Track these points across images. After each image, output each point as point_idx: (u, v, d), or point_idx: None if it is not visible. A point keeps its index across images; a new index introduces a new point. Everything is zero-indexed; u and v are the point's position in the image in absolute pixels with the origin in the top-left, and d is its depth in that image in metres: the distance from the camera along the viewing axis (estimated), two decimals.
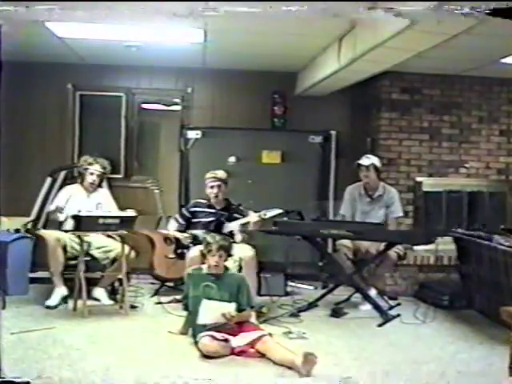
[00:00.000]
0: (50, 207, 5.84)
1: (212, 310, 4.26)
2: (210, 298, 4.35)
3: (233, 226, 5.38)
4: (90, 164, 5.73)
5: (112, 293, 5.61)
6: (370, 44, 4.57)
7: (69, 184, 6.14)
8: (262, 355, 4.02)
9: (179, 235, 5.56)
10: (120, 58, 6.37)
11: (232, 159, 6.66)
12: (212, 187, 5.52)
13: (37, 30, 5.09)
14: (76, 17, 4.61)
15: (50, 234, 5.40)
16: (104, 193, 5.94)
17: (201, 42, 5.46)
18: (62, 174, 6.70)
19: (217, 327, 4.16)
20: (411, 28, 3.80)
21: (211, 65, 6.65)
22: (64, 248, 5.34)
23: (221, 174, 5.59)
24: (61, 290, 5.36)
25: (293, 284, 6.35)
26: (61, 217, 5.58)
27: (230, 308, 4.28)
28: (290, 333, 4.66)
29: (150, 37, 5.35)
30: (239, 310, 4.35)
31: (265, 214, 5.28)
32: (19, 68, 6.13)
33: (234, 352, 4.07)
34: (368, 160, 5.76)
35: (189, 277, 4.62)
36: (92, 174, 5.71)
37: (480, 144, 6.73)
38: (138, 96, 7.04)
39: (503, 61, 5.49)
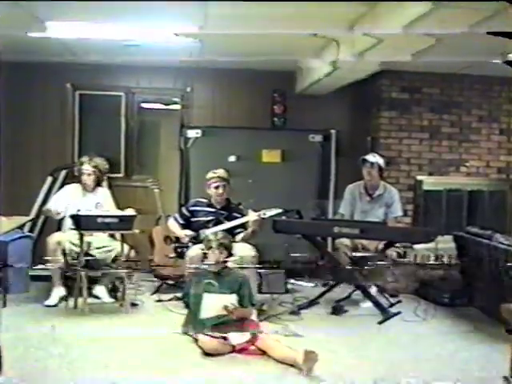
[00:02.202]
0: (46, 206, 5.85)
1: (213, 304, 4.27)
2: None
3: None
4: (82, 164, 5.77)
5: (112, 291, 5.62)
6: (369, 43, 4.58)
7: (69, 183, 6.14)
8: (263, 353, 4.01)
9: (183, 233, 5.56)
10: (119, 58, 6.36)
11: (232, 158, 6.66)
12: (217, 187, 5.50)
13: (36, 30, 5.09)
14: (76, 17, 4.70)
15: (50, 237, 5.42)
16: (103, 192, 5.93)
17: (199, 42, 5.46)
18: (63, 174, 6.70)
19: (218, 324, 4.17)
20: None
21: (211, 64, 6.64)
22: (63, 251, 5.34)
23: (223, 173, 5.57)
24: (59, 291, 5.37)
25: (293, 281, 6.35)
26: (57, 216, 5.59)
27: (231, 300, 4.30)
28: (290, 330, 4.66)
29: (149, 36, 5.35)
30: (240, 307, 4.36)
31: (264, 214, 5.28)
32: (19, 68, 6.14)
33: (234, 350, 4.07)
34: (374, 158, 5.78)
35: (190, 274, 4.62)
36: (83, 174, 5.74)
37: (480, 143, 6.74)
38: (138, 95, 7.05)
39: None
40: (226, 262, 4.54)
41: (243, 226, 5.46)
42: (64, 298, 5.33)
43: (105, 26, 4.96)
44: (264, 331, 4.20)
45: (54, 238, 5.38)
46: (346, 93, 6.79)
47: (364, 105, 6.88)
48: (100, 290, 5.49)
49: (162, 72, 6.95)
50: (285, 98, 7.00)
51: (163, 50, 5.91)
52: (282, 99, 7.00)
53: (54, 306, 5.27)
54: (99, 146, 6.71)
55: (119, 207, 5.75)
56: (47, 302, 5.28)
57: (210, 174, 5.56)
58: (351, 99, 7.05)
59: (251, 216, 5.35)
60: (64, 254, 5.32)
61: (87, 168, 5.73)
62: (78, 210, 5.24)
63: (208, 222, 5.49)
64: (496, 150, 6.76)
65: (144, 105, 7.10)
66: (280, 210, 5.32)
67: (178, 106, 7.06)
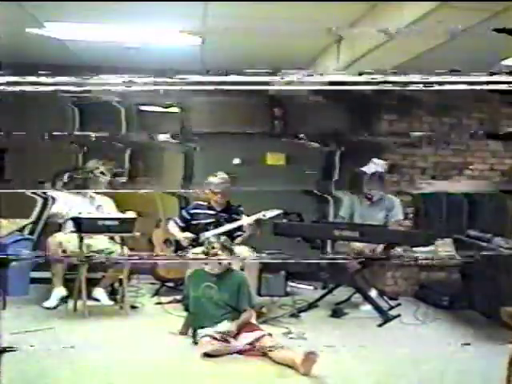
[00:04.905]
0: (51, 210, 5.85)
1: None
2: (210, 298, 4.37)
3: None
4: (103, 174, 5.74)
5: (112, 293, 5.62)
6: (370, 45, 4.57)
7: (71, 187, 6.13)
8: (262, 354, 4.02)
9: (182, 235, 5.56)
10: (120, 60, 6.35)
11: (234, 161, 6.68)
12: (216, 190, 5.52)
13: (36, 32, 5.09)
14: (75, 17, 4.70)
15: (51, 238, 5.43)
16: (104, 195, 5.94)
17: (199, 44, 5.46)
18: (65, 177, 6.70)
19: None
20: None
21: (210, 66, 6.62)
22: (64, 251, 5.35)
23: (223, 176, 5.60)
24: (59, 291, 5.37)
25: (293, 284, 6.35)
26: (63, 220, 5.60)
27: (228, 327, 4.27)
28: (290, 333, 4.67)
29: (150, 38, 5.36)
30: (239, 310, 4.37)
31: (264, 215, 5.29)
32: (19, 69, 6.13)
33: (233, 351, 4.07)
34: (371, 168, 5.76)
35: (190, 277, 4.63)
36: (100, 181, 5.74)
37: (484, 146, 6.70)
38: (139, 98, 7.03)
39: (504, 63, 5.47)
40: (228, 264, 4.56)
41: (243, 228, 5.48)
42: (64, 299, 5.33)
43: (105, 27, 4.97)
44: (266, 333, 4.20)
45: (55, 239, 5.39)
46: (347, 96, 6.76)
47: (366, 108, 6.86)
48: (99, 293, 5.49)
49: (163, 74, 6.92)
50: (285, 101, 6.98)
51: (163, 53, 5.91)
52: (282, 101, 6.98)
53: (54, 308, 5.27)
54: (99, 148, 6.69)
55: (119, 210, 5.76)
56: (46, 304, 5.29)
57: (210, 177, 5.59)
58: (353, 102, 7.01)
59: (245, 220, 5.38)
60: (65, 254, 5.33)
61: (108, 178, 5.74)
62: (79, 213, 5.26)
63: (208, 224, 5.50)
64: (500, 154, 6.72)
65: (145, 108, 7.09)
66: (280, 211, 5.33)
67: (178, 109, 7.05)
